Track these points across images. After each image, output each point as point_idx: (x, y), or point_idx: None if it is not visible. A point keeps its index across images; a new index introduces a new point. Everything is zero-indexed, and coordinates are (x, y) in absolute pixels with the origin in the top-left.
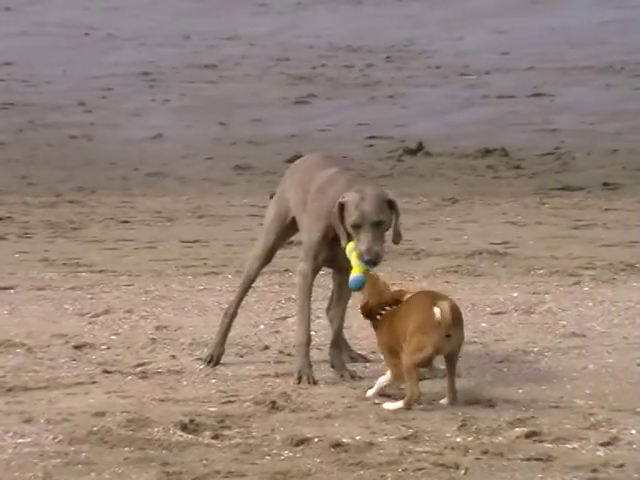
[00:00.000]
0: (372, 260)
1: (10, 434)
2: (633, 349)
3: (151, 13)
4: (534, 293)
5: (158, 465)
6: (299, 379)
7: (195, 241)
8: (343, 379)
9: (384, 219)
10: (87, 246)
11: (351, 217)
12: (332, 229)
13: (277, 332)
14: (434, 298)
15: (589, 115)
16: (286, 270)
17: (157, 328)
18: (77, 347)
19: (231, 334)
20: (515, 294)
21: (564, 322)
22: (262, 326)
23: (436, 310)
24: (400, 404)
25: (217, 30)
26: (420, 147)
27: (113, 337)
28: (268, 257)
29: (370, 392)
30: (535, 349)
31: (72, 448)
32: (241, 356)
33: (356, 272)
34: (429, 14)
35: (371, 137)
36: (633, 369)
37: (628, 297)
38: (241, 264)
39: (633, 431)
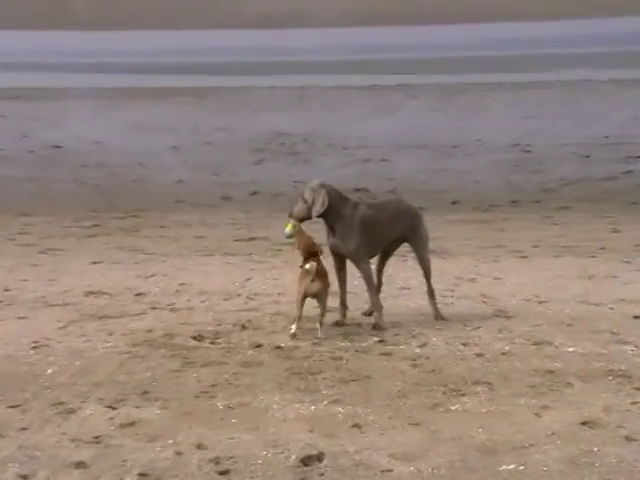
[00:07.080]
0: None
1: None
2: None
3: None
4: None
5: (181, 358)
6: (377, 326)
7: None
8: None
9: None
10: None
11: None
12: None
13: (244, 287)
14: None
15: None
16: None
17: (180, 285)
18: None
19: (216, 288)
20: None
21: None
22: (236, 283)
23: (307, 266)
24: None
25: None
26: None
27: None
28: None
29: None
30: None
31: (134, 349)
32: (225, 299)
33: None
34: None
35: None
36: None
37: None
38: None
39: (434, 339)
